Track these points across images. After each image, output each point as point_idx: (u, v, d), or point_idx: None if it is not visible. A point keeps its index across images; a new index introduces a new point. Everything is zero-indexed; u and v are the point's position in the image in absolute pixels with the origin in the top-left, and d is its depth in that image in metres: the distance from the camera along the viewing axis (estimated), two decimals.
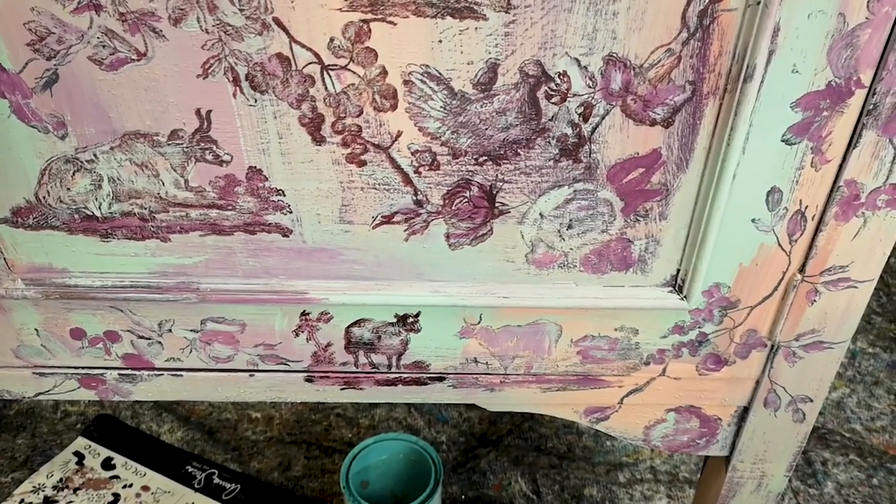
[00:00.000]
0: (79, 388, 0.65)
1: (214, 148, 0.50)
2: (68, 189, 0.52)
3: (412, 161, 0.50)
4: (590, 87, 0.47)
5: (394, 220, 0.53)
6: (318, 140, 0.49)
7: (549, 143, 0.49)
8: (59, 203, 0.53)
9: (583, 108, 0.48)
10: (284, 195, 0.52)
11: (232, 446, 1.14)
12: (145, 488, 1.06)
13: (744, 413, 0.65)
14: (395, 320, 0.60)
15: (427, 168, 0.51)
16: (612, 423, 0.67)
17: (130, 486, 1.07)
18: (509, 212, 0.53)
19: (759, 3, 0.43)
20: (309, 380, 0.64)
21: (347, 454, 0.89)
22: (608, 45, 0.45)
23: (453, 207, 0.53)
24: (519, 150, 0.50)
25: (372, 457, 0.91)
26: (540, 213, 0.53)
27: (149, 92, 0.47)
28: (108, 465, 1.10)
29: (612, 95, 0.47)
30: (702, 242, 0.53)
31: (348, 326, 0.60)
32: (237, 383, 0.64)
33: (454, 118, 0.48)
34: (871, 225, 0.53)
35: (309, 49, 0.45)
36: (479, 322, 0.60)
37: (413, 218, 0.53)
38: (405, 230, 0.54)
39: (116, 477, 1.08)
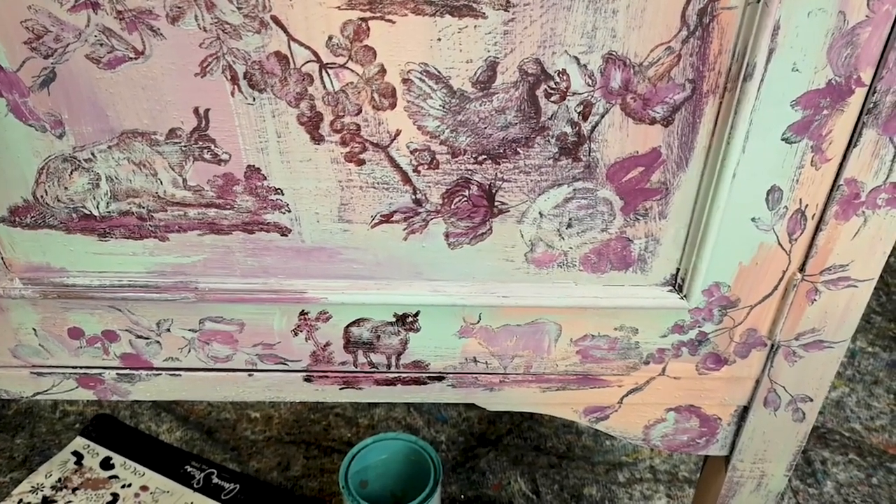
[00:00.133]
0: (77, 387, 0.65)
1: (213, 147, 0.50)
2: (66, 188, 0.52)
3: (411, 160, 0.50)
4: (589, 85, 0.47)
5: (393, 219, 0.53)
6: (317, 139, 0.49)
7: (549, 141, 0.49)
8: (57, 202, 0.53)
9: (582, 106, 0.48)
10: (283, 194, 0.52)
11: (231, 446, 1.14)
12: (144, 488, 1.06)
13: (744, 412, 0.65)
14: (394, 320, 0.60)
15: (426, 167, 0.51)
16: (612, 422, 0.67)
17: (129, 485, 1.07)
18: (508, 211, 0.53)
19: (758, 2, 0.43)
20: (308, 379, 0.64)
21: (346, 454, 0.89)
22: (608, 43, 0.45)
23: (452, 206, 0.53)
24: (518, 149, 0.50)
25: (371, 456, 0.91)
26: (539, 212, 0.53)
27: (146, 90, 0.47)
28: (106, 464, 1.09)
29: (611, 94, 0.47)
30: (702, 241, 0.53)
31: (347, 326, 0.60)
32: (236, 383, 0.64)
33: (453, 117, 0.48)
34: (871, 224, 0.52)
35: (307, 47, 0.45)
36: (478, 321, 0.60)
37: (412, 217, 0.53)
38: (404, 229, 0.54)
39: (115, 477, 1.08)
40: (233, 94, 0.47)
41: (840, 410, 1.22)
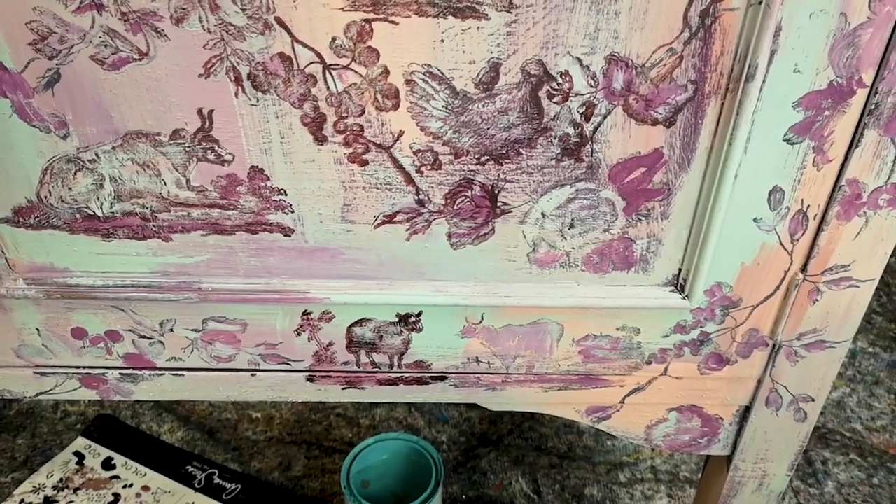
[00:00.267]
0: (80, 387, 0.65)
1: (216, 147, 0.50)
2: (70, 188, 0.52)
3: (414, 160, 0.50)
4: (592, 86, 0.47)
5: (396, 219, 0.53)
6: (320, 139, 0.49)
7: (551, 142, 0.49)
8: (61, 202, 0.53)
9: (585, 107, 0.48)
10: (286, 195, 0.52)
11: (232, 446, 1.14)
12: (145, 488, 1.06)
13: (745, 412, 0.65)
14: (396, 320, 0.60)
15: (429, 167, 0.51)
16: (614, 422, 0.67)
17: (131, 486, 1.07)
18: (511, 211, 0.53)
19: (760, 3, 0.43)
20: (310, 379, 0.64)
21: (348, 454, 0.89)
22: (610, 44, 0.45)
23: (455, 207, 0.53)
24: (521, 150, 0.50)
25: (372, 457, 0.91)
26: (542, 213, 0.53)
27: (151, 91, 0.47)
28: (108, 465, 1.10)
29: (613, 95, 0.47)
30: (704, 242, 0.53)
31: (350, 326, 0.60)
32: (238, 383, 0.64)
33: (456, 118, 0.48)
34: (872, 224, 0.53)
35: (311, 49, 0.45)
36: (480, 321, 0.60)
37: (415, 217, 0.53)
38: (407, 230, 0.54)
39: (117, 477, 1.08)
40: (236, 95, 0.47)
41: (841, 411, 1.22)
